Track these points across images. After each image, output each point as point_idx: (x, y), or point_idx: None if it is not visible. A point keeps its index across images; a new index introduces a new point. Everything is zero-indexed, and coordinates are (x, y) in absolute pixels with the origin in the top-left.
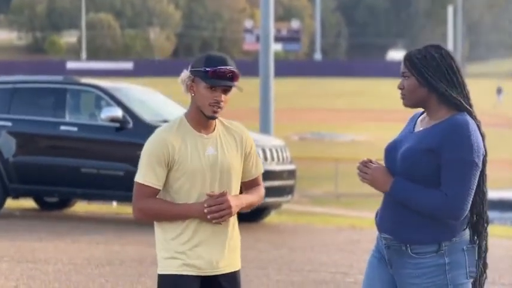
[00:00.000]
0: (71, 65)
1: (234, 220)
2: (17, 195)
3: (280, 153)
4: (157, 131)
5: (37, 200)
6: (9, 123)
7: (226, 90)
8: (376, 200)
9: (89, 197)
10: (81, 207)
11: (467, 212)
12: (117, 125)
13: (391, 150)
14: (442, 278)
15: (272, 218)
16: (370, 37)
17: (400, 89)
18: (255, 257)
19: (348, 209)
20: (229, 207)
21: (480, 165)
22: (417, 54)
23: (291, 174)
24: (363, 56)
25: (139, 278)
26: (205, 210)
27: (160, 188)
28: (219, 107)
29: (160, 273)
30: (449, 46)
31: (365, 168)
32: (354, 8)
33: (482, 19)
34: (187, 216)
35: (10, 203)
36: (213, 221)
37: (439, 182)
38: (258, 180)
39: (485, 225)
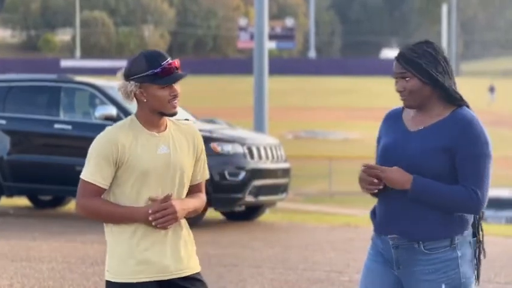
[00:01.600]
0: (65, 63)
1: (185, 222)
2: (11, 194)
3: (274, 152)
4: (107, 129)
5: (31, 198)
6: (3, 122)
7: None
8: (369, 198)
9: None
10: (75, 205)
11: None
12: (112, 123)
13: (391, 151)
14: (456, 271)
15: (266, 216)
16: (364, 35)
17: (400, 91)
18: (249, 255)
19: (342, 207)
20: (175, 212)
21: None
22: (413, 53)
23: (285, 172)
24: (357, 54)
25: None
26: (150, 218)
27: (106, 188)
28: (177, 100)
29: (110, 280)
30: (444, 44)
31: (374, 172)
32: (348, 6)
33: (476, 17)
34: (131, 220)
35: (4, 201)
36: (158, 226)
37: (450, 180)
38: (201, 186)
39: (481, 218)
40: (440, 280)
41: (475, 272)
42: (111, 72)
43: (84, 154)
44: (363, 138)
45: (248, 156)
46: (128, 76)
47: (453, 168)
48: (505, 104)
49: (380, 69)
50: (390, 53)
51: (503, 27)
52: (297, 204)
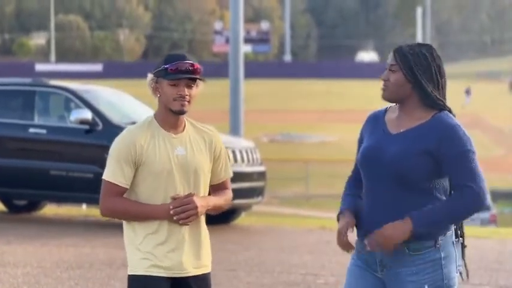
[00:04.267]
0: (39, 67)
1: (203, 222)
2: None
3: (250, 155)
4: (126, 130)
5: (5, 202)
6: None
7: (189, 84)
8: None
9: (58, 200)
10: (50, 209)
11: None
12: (87, 127)
13: (371, 155)
14: (439, 272)
15: (242, 219)
16: (340, 38)
17: (384, 80)
18: (225, 258)
19: (318, 210)
20: (196, 207)
21: None
22: (409, 50)
23: (261, 175)
24: (333, 58)
25: (108, 281)
26: (171, 212)
27: (128, 187)
28: (185, 101)
29: (130, 273)
30: None
31: (372, 240)
32: (323, 9)
33: (451, 20)
34: (153, 217)
35: None
36: (180, 222)
37: (429, 184)
38: (226, 183)
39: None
40: (424, 281)
41: (463, 271)
42: (86, 76)
43: (59, 158)
44: (339, 141)
45: None
46: (153, 70)
47: (433, 173)
48: (479, 107)
49: (355, 72)
50: (366, 56)
51: (478, 30)
52: (273, 208)
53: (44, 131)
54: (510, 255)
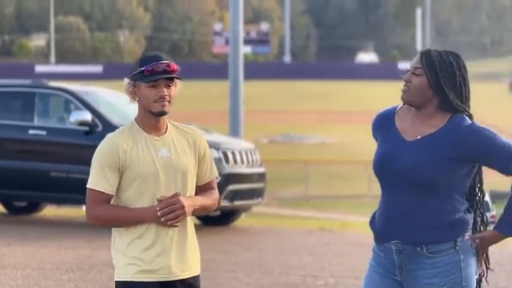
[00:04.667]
0: (39, 68)
1: (190, 224)
2: None
3: (249, 156)
4: (108, 136)
5: (5, 204)
6: None
7: (167, 84)
8: (345, 202)
9: (58, 201)
10: (50, 211)
11: None
12: (86, 128)
13: (387, 162)
14: (458, 275)
15: (242, 220)
16: (339, 39)
17: (406, 81)
18: (225, 260)
19: (317, 211)
20: (182, 207)
21: None
22: (437, 56)
23: (260, 177)
24: (332, 58)
25: (108, 283)
26: (159, 213)
27: (113, 194)
28: (165, 101)
29: (117, 279)
30: (418, 48)
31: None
32: (323, 10)
33: (451, 21)
34: (142, 221)
35: None
36: (168, 223)
37: (450, 188)
38: (212, 184)
39: (486, 224)
40: (443, 283)
41: (482, 274)
42: (86, 77)
43: (58, 160)
44: (339, 142)
45: (223, 161)
46: (129, 75)
47: (455, 176)
48: (479, 107)
49: (355, 73)
50: (366, 57)
51: (477, 31)
52: (273, 209)
53: (43, 133)
54: (510, 257)
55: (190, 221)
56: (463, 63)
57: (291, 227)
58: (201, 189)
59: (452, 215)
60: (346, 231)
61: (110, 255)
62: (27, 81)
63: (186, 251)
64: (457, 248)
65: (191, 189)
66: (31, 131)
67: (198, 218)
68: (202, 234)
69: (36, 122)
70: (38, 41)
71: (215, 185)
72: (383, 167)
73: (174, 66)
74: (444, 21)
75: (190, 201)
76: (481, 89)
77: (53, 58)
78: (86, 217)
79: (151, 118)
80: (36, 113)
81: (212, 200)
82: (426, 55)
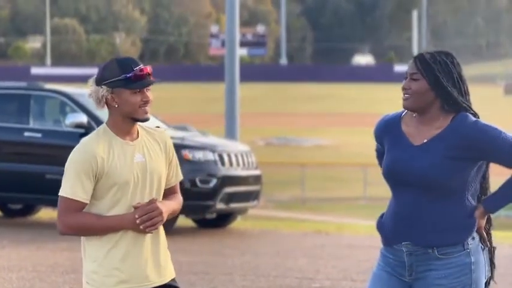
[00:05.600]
0: (35, 70)
1: (161, 229)
2: None
3: (245, 159)
4: (83, 142)
5: (1, 206)
6: None
7: (147, 89)
8: (342, 204)
9: (54, 204)
10: (45, 214)
11: None
12: (82, 130)
13: (398, 168)
14: (468, 277)
15: (238, 223)
16: (336, 41)
17: (406, 89)
18: (221, 262)
19: (313, 214)
20: (160, 213)
21: None
22: (431, 58)
23: (256, 179)
24: (329, 61)
25: None
26: (138, 221)
27: (88, 202)
28: (148, 106)
29: None
30: (414, 50)
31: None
32: (319, 12)
33: (447, 24)
34: (118, 228)
35: None
36: (147, 230)
37: (463, 189)
38: (176, 188)
39: (490, 225)
40: (452, 285)
41: (489, 276)
42: (82, 79)
43: (54, 162)
44: (336, 145)
45: (219, 163)
46: (100, 81)
47: (466, 176)
48: (474, 110)
49: (352, 75)
50: (362, 59)
51: (473, 33)
52: (269, 211)
53: (39, 135)
54: (505, 259)
55: (161, 227)
56: (456, 60)
57: (287, 229)
58: (166, 192)
59: (464, 217)
60: (342, 234)
61: None
62: (23, 84)
63: (160, 256)
64: (468, 250)
65: (162, 193)
66: (26, 134)
67: (194, 221)
68: (198, 237)
69: (32, 124)
70: (33, 43)
71: (178, 189)
72: (394, 172)
73: (151, 69)
74: (440, 23)
75: (166, 207)
76: (477, 91)
77: (48, 60)
78: (57, 226)
79: (128, 124)
80: (31, 115)
81: (179, 204)
82: (420, 59)
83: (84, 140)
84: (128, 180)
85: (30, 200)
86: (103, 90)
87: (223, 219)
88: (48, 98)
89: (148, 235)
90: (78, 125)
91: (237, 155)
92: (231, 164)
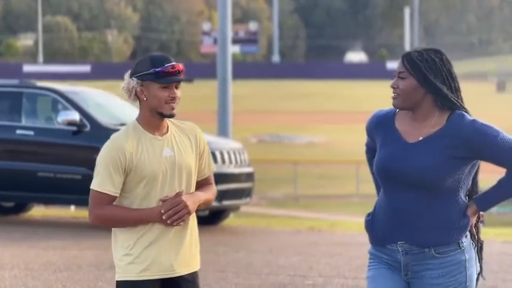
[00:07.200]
0: (27, 68)
1: (192, 220)
2: None
3: (238, 156)
4: (112, 137)
5: None
6: None
7: (177, 86)
8: (334, 202)
9: (46, 201)
10: (38, 211)
11: None
12: (74, 128)
13: (391, 166)
14: (463, 274)
15: (230, 220)
16: (328, 39)
17: (394, 88)
18: (214, 260)
19: (306, 211)
20: (186, 206)
21: None
22: (418, 56)
23: (249, 176)
24: (321, 58)
25: (96, 283)
26: (164, 217)
27: (118, 195)
28: (175, 102)
29: (119, 279)
30: (407, 48)
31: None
32: (312, 10)
33: (439, 21)
34: (146, 221)
35: None
36: (174, 224)
37: (455, 187)
38: (210, 179)
39: (479, 219)
40: (449, 283)
41: (478, 272)
42: (74, 77)
43: (46, 160)
44: (328, 142)
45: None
46: (132, 74)
47: (460, 174)
48: (467, 107)
49: (344, 72)
50: (354, 56)
51: (465, 30)
52: (261, 209)
53: (31, 133)
54: (497, 256)
55: (193, 217)
56: (445, 57)
57: (280, 227)
58: (200, 184)
59: (459, 215)
60: (335, 231)
61: (97, 255)
62: (15, 81)
63: (186, 248)
64: (463, 248)
65: (193, 186)
66: (18, 131)
67: None
68: None
69: (24, 122)
70: (25, 40)
71: (212, 180)
72: (387, 170)
73: (183, 67)
74: (432, 21)
75: (194, 198)
76: (469, 88)
77: (40, 58)
78: (88, 217)
79: (157, 119)
80: (23, 113)
81: (212, 194)
82: (407, 57)
83: (113, 135)
84: (156, 174)
85: (22, 198)
86: (133, 82)
87: (216, 217)
88: (40, 96)
89: (178, 226)
90: (71, 123)
91: (229, 153)
92: (223, 161)
